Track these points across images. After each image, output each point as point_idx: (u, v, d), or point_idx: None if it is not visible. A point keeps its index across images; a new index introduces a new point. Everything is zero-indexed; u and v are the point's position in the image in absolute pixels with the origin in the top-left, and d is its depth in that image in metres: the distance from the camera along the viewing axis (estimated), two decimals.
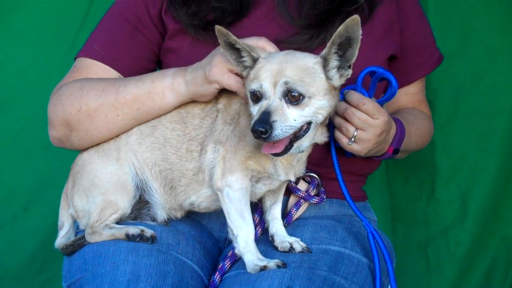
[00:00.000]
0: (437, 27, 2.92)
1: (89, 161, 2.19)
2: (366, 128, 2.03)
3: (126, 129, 2.17)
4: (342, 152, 2.21)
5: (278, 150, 1.88)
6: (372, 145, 2.07)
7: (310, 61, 1.91)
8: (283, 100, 1.87)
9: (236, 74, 2.01)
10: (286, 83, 1.86)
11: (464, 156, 2.98)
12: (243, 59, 1.94)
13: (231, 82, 2.00)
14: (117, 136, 2.19)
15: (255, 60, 1.92)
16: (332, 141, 2.14)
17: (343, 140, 2.07)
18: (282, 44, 2.20)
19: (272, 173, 2.03)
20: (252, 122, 1.84)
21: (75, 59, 2.42)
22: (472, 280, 3.00)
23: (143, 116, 2.15)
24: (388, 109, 2.48)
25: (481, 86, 2.97)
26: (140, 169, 2.14)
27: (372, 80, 2.11)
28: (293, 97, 1.86)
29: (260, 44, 2.00)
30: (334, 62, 1.92)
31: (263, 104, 1.87)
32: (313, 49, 2.21)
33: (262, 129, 1.81)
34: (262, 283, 1.87)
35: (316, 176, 2.25)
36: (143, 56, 2.38)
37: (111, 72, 2.33)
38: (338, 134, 2.09)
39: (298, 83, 1.86)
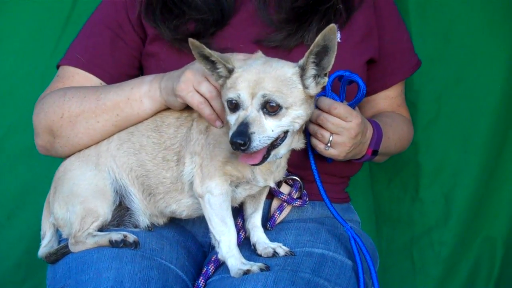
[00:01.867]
0: (418, 29, 2.95)
1: (70, 167, 2.19)
2: (341, 132, 2.05)
3: (106, 136, 2.18)
4: (322, 158, 2.22)
5: (256, 160, 1.89)
6: (348, 148, 2.09)
7: (288, 71, 1.91)
8: (260, 111, 1.87)
9: (201, 94, 2.01)
10: (264, 95, 1.86)
11: (446, 157, 3.00)
12: (218, 70, 1.94)
13: (193, 101, 2.01)
14: (99, 142, 2.20)
15: (230, 71, 1.92)
16: (310, 149, 2.16)
17: (320, 146, 2.09)
18: (262, 43, 2.22)
19: (250, 179, 2.04)
20: (230, 134, 1.85)
21: (57, 67, 2.43)
22: (456, 280, 3.02)
23: (122, 123, 2.16)
24: (367, 113, 2.51)
25: (463, 88, 3.00)
26: (119, 174, 2.15)
27: (341, 84, 2.13)
28: (271, 108, 1.87)
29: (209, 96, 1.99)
30: (311, 71, 1.93)
31: (241, 114, 1.87)
32: (291, 49, 2.23)
33: (241, 141, 1.81)
34: (246, 286, 1.88)
35: (298, 179, 2.26)
36: (125, 62, 2.39)
37: (94, 80, 2.35)
38: (314, 141, 2.10)
39: (276, 95, 1.86)
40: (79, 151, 2.22)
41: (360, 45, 2.34)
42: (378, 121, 2.30)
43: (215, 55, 1.90)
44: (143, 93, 2.13)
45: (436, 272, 3.01)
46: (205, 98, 2.01)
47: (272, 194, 2.26)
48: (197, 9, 2.27)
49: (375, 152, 2.25)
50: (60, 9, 3.12)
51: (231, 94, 1.89)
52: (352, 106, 2.13)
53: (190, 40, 1.90)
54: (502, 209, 3.00)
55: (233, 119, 1.90)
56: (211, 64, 1.94)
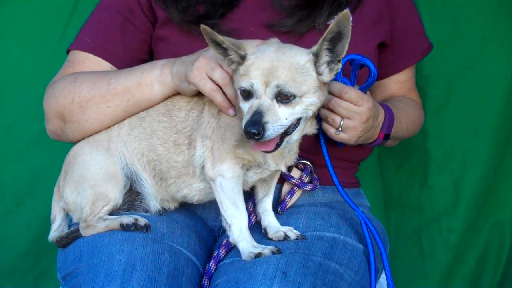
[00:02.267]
0: (428, 15, 2.93)
1: (80, 152, 2.19)
2: (352, 116, 2.04)
3: (116, 121, 2.18)
4: (334, 142, 2.21)
5: (270, 148, 1.89)
6: (360, 132, 2.08)
7: (301, 59, 1.89)
8: (274, 100, 1.86)
9: (213, 81, 2.00)
10: (278, 85, 1.85)
11: (456, 143, 2.99)
12: (230, 56, 1.93)
13: (206, 88, 2.00)
14: (109, 127, 2.19)
15: (243, 57, 1.90)
16: (321, 133, 2.15)
17: (331, 131, 2.08)
18: (273, 28, 2.21)
19: (261, 163, 2.04)
20: (244, 123, 1.84)
21: (67, 52, 2.42)
22: (465, 266, 3.02)
23: (133, 108, 2.15)
24: (378, 97, 2.51)
25: (473, 74, 2.98)
26: (130, 159, 2.14)
27: (352, 68, 2.12)
28: (285, 97, 1.86)
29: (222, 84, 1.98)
30: (325, 58, 1.91)
31: (254, 103, 1.86)
32: (302, 34, 2.22)
33: (255, 131, 1.81)
34: (258, 269, 1.88)
35: (309, 164, 2.25)
36: (135, 47, 2.38)
37: (104, 64, 2.34)
38: (325, 126, 2.09)
39: (290, 84, 1.85)
40: (89, 136, 2.22)
41: (371, 28, 2.33)
42: (390, 105, 2.29)
43: (226, 41, 1.89)
44: (154, 77, 2.12)
45: (445, 259, 3.01)
46: (218, 86, 1.99)
47: (283, 178, 2.25)
48: None
49: (387, 136, 2.24)
50: None
51: (244, 83, 1.88)
52: (363, 90, 2.12)
53: (202, 26, 1.88)
54: (511, 195, 2.99)
55: (246, 107, 1.89)
56: (223, 50, 1.92)
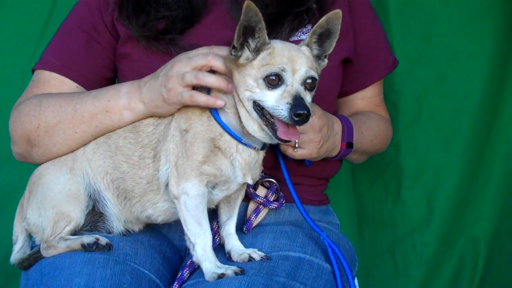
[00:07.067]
0: (399, 30, 2.96)
1: (45, 172, 2.16)
2: (304, 130, 2.04)
3: (84, 144, 2.15)
4: (301, 161, 2.20)
5: (297, 136, 1.89)
6: (318, 143, 2.07)
7: (307, 50, 1.95)
8: (302, 87, 1.89)
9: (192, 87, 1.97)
10: (307, 71, 1.89)
11: (428, 158, 3.00)
12: (254, 39, 1.88)
13: (185, 99, 1.96)
14: None
15: (263, 45, 1.89)
16: (279, 153, 2.15)
17: (289, 151, 2.08)
18: None
19: (229, 175, 2.00)
20: (286, 108, 1.82)
21: (32, 71, 2.39)
22: (439, 281, 3.01)
23: (101, 133, 2.13)
24: (345, 113, 2.49)
25: (444, 88, 3.00)
26: (93, 178, 2.11)
27: None
28: (311, 84, 1.90)
29: (206, 62, 1.95)
30: (314, 51, 1.98)
31: (288, 88, 1.86)
32: None
33: (306, 111, 1.81)
34: None
35: (275, 181, 2.23)
36: (101, 65, 2.36)
37: (69, 84, 2.31)
38: (283, 147, 2.09)
39: (313, 71, 1.91)
40: None
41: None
42: (349, 117, 2.29)
43: (264, 24, 1.87)
44: (122, 106, 2.08)
45: (419, 274, 3.00)
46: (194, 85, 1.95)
47: (248, 197, 2.23)
48: (166, 6, 2.25)
49: (349, 145, 2.23)
50: (39, 13, 3.10)
51: (273, 69, 1.87)
52: None
53: (248, 2, 1.84)
54: (485, 209, 2.99)
55: (273, 94, 1.86)
56: (243, 37, 1.89)
